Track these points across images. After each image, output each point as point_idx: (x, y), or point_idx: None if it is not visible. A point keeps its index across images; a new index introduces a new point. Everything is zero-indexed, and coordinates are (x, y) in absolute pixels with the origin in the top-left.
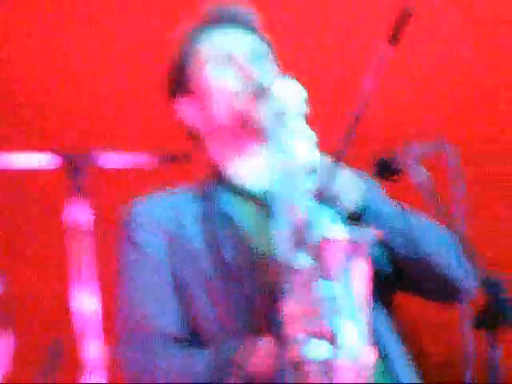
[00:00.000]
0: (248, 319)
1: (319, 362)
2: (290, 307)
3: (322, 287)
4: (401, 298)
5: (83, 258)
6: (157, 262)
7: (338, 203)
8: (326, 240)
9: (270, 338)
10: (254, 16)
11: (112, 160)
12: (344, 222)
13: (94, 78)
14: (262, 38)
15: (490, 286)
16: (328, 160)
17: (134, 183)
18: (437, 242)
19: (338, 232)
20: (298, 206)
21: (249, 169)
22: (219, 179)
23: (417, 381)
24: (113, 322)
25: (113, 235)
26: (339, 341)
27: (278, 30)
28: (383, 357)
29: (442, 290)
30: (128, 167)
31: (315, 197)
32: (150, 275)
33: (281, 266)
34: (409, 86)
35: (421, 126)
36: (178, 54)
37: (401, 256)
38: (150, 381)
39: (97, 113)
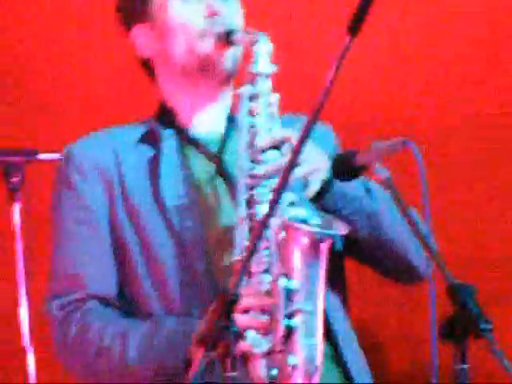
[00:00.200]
0: (188, 280)
1: (265, 356)
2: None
3: (278, 280)
4: (361, 312)
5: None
6: (96, 217)
7: (304, 182)
8: (290, 225)
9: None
10: None
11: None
12: (307, 203)
13: (91, 79)
14: None
15: (458, 294)
16: (293, 134)
17: None
18: (399, 227)
19: (301, 214)
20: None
21: (202, 117)
22: (168, 122)
23: (365, 369)
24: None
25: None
26: (291, 337)
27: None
28: (334, 344)
29: (400, 270)
30: None
31: (279, 176)
32: (89, 232)
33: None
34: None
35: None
36: None
37: (362, 237)
38: (86, 350)
39: (96, 113)
